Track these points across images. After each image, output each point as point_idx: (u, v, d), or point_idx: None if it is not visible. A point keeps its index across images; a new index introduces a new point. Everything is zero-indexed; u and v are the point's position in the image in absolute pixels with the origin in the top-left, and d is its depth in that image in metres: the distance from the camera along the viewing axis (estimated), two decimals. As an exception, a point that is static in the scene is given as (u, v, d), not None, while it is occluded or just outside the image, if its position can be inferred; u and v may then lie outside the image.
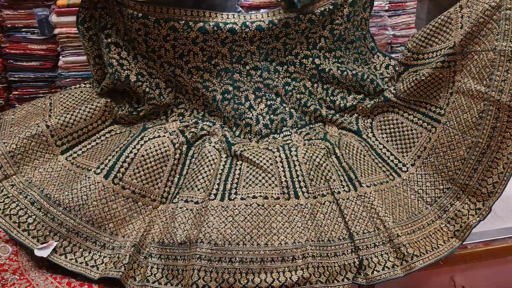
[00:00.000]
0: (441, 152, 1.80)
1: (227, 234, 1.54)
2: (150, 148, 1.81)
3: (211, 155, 1.85)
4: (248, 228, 1.57)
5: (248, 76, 2.06)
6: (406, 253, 1.58)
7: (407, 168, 1.91)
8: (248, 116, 2.03)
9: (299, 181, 1.72)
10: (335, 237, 1.63)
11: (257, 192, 1.67)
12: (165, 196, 1.81)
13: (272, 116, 2.06)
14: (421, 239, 1.66)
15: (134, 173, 1.77)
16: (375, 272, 1.56)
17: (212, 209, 1.61)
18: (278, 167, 1.75)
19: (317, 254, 1.56)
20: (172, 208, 1.71)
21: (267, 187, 1.69)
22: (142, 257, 1.62)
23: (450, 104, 1.81)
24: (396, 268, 1.58)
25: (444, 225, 1.72)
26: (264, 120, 2.05)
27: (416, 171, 1.88)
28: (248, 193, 1.67)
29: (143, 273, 1.59)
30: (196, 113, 2.08)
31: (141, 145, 1.81)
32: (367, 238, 1.63)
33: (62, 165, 1.85)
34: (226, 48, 2.01)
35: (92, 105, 2.01)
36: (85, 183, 1.70)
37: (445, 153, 1.79)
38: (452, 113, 1.80)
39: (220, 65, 2.03)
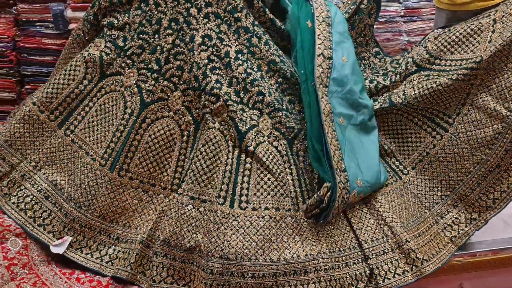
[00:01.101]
0: (445, 161, 1.79)
1: (239, 248, 1.52)
2: (154, 133, 1.74)
3: (216, 140, 1.70)
4: (261, 242, 1.55)
5: (266, 45, 1.86)
6: (415, 258, 1.58)
7: (408, 171, 1.88)
8: (261, 84, 1.79)
9: (307, 191, 1.70)
10: (345, 246, 1.63)
11: (269, 203, 1.62)
12: (175, 183, 1.75)
13: (281, 95, 1.87)
14: (426, 243, 1.66)
15: (140, 162, 1.72)
16: (386, 280, 1.56)
17: (222, 217, 1.57)
18: (287, 174, 1.70)
19: (329, 267, 1.56)
20: (180, 203, 1.65)
21: (279, 197, 1.65)
22: (152, 252, 1.62)
23: (461, 116, 1.78)
24: (407, 274, 1.57)
25: (441, 230, 1.73)
26: (275, 95, 1.84)
27: (416, 175, 1.86)
28: (260, 203, 1.62)
29: (150, 269, 1.59)
30: (197, 68, 1.76)
31: (144, 130, 1.73)
32: (376, 246, 1.63)
33: (63, 141, 1.76)
34: (259, 4, 1.87)
35: (71, 66, 1.80)
36: (92, 176, 1.68)
37: (449, 163, 1.78)
38: (463, 125, 1.77)
39: (242, 22, 1.83)
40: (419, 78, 1.84)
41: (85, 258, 1.62)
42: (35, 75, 2.44)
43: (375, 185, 1.75)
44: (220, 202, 1.60)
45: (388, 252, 1.62)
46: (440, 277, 1.76)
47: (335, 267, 1.57)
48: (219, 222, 1.56)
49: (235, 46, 1.81)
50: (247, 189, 1.64)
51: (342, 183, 1.59)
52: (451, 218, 1.74)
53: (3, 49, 2.37)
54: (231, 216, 1.57)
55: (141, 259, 1.61)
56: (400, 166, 1.89)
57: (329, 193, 1.57)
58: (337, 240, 1.64)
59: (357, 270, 1.59)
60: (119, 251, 1.64)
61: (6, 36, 2.36)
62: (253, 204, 1.61)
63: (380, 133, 1.95)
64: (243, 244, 1.53)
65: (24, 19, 2.37)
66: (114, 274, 1.57)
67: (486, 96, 1.71)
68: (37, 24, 2.38)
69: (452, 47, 1.79)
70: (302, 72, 1.81)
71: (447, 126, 1.81)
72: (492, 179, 1.69)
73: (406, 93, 1.85)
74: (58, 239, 1.62)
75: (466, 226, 1.71)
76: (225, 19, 1.81)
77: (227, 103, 1.71)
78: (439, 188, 1.80)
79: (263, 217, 1.59)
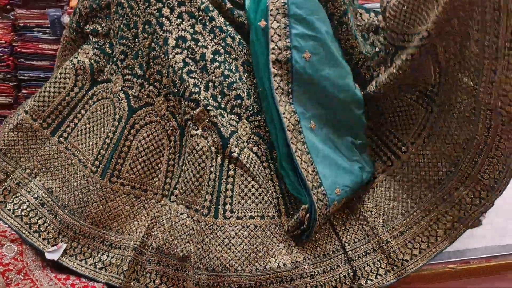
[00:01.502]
0: (441, 135, 1.59)
1: (224, 260, 1.50)
2: (144, 139, 1.70)
3: (200, 147, 1.61)
4: (246, 252, 1.52)
5: (240, 45, 1.74)
6: (396, 259, 1.58)
7: (407, 147, 1.69)
8: (239, 87, 1.69)
9: (289, 196, 1.66)
10: (329, 250, 1.62)
11: (254, 211, 1.58)
12: (166, 188, 1.73)
13: (258, 95, 1.74)
14: (419, 234, 1.61)
15: (131, 167, 1.69)
16: (368, 282, 1.57)
17: (206, 228, 1.54)
18: (268, 180, 1.66)
19: (315, 273, 1.56)
20: (175, 211, 1.64)
21: (263, 205, 1.60)
22: (145, 259, 1.62)
23: (442, 86, 1.54)
24: (388, 274, 1.58)
25: (449, 208, 1.58)
26: (254, 96, 1.72)
27: (417, 151, 1.67)
28: (244, 212, 1.57)
29: (144, 276, 1.60)
30: (173, 73, 1.65)
31: (134, 136, 1.70)
32: (358, 247, 1.63)
33: (57, 148, 1.76)
34: (226, 7, 1.75)
35: (61, 74, 1.78)
36: (84, 183, 1.67)
37: (445, 137, 1.58)
38: (444, 97, 1.55)
39: (216, 21, 1.70)
40: (398, 58, 1.60)
41: (79, 265, 1.63)
42: (32, 80, 2.44)
43: (356, 186, 1.66)
44: (205, 213, 1.56)
45: (370, 252, 1.62)
46: (433, 284, 1.77)
47: (321, 272, 1.57)
48: (204, 233, 1.54)
49: (212, 47, 1.69)
50: (231, 197, 1.58)
51: (320, 200, 1.53)
52: (458, 197, 1.56)
53: (0, 54, 2.38)
54: (216, 227, 1.54)
55: (134, 266, 1.61)
56: (399, 143, 1.72)
57: (308, 215, 1.53)
58: (321, 243, 1.63)
59: (341, 272, 1.59)
60: (112, 257, 1.65)
61: (3, 41, 2.37)
62: (238, 213, 1.57)
63: (374, 108, 1.80)
64: (229, 256, 1.51)
65: (22, 25, 2.37)
66: (108, 281, 1.58)
67: (455, 65, 1.44)
68: (35, 29, 2.38)
69: (410, 19, 1.50)
70: (261, 89, 1.67)
71: (434, 97, 1.58)
72: (487, 157, 1.46)
73: (377, 81, 1.68)
74: (53, 245, 1.63)
75: (471, 208, 1.54)
76: (199, 18, 1.69)
77: (207, 108, 1.62)
78: (443, 164, 1.60)
79: (248, 227, 1.55)
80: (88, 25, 1.82)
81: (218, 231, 1.53)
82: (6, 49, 2.38)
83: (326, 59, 1.64)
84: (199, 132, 1.63)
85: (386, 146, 1.76)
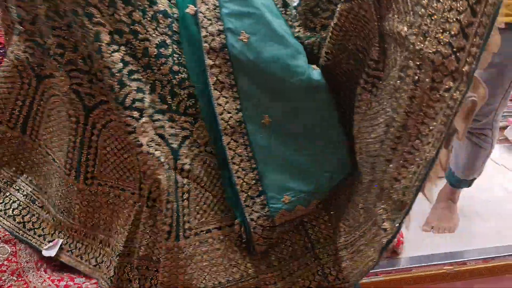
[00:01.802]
0: (366, 127, 1.25)
1: (187, 280, 1.42)
2: (109, 138, 1.52)
3: (149, 165, 1.42)
4: (207, 267, 1.44)
5: None
6: (350, 269, 1.47)
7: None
8: (192, 84, 1.44)
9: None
10: (297, 250, 1.54)
11: (211, 224, 1.48)
12: (142, 187, 1.54)
13: None
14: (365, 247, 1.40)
15: (103, 168, 1.56)
16: (337, 280, 1.49)
17: (168, 253, 1.42)
18: (226, 187, 1.51)
19: (279, 279, 1.50)
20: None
21: (219, 215, 1.49)
22: (133, 261, 1.56)
23: (387, 53, 1.13)
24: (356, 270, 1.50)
25: (370, 227, 1.32)
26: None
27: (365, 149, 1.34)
28: (201, 226, 1.46)
29: (133, 281, 1.57)
30: (110, 75, 1.35)
31: (97, 136, 1.52)
32: (328, 245, 1.53)
33: (32, 145, 1.67)
34: None
35: (4, 72, 1.54)
36: (63, 184, 1.61)
37: (372, 129, 1.21)
38: (387, 66, 1.14)
39: (158, 5, 1.40)
40: None
41: (76, 261, 1.61)
42: (27, 81, 2.45)
43: (321, 188, 1.47)
44: (165, 238, 1.42)
45: (339, 251, 1.50)
46: (429, 285, 1.77)
47: (285, 275, 1.51)
48: (166, 260, 1.42)
49: (155, 38, 1.39)
50: (189, 214, 1.45)
51: (256, 212, 1.41)
52: (376, 215, 1.22)
53: (-5, 55, 2.39)
54: (176, 250, 1.42)
55: (123, 267, 1.57)
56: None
57: (243, 228, 1.44)
58: (289, 244, 1.55)
59: (309, 271, 1.52)
60: (103, 255, 1.62)
61: (-2, 43, 2.38)
62: (195, 229, 1.45)
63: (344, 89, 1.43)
64: (191, 276, 1.42)
65: (17, 26, 2.38)
66: (100, 284, 1.56)
67: (393, 15, 1.04)
68: (30, 30, 2.39)
69: None
70: (199, 86, 1.44)
71: (379, 74, 1.19)
72: (403, 153, 1.05)
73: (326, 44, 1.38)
74: (49, 242, 1.62)
75: (380, 235, 1.23)
76: (137, 4, 1.37)
77: (153, 118, 1.40)
78: (368, 168, 1.25)
79: (206, 241, 1.46)
80: (12, 9, 1.53)
81: (180, 253, 1.42)
82: (1, 51, 2.38)
83: (268, 38, 1.38)
84: (145, 148, 1.41)
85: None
